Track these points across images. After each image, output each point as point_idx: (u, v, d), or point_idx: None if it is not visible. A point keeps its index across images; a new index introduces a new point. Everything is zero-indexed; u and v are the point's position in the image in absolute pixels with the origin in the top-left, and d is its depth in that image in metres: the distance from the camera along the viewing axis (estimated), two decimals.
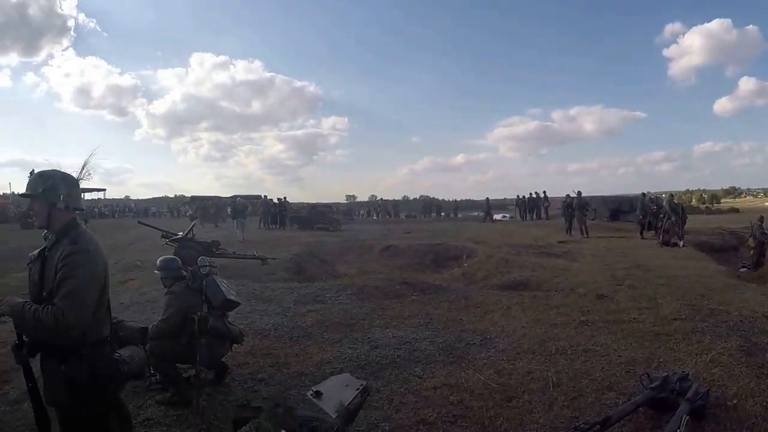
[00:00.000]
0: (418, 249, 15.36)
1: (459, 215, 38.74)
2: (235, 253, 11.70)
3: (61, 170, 2.22)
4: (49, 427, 2.19)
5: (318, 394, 2.47)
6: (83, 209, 2.50)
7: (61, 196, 2.11)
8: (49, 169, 2.19)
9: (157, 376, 4.04)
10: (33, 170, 2.22)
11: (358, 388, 2.60)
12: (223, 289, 4.22)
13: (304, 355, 5.04)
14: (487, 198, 30.37)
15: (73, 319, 1.96)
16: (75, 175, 2.28)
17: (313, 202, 33.23)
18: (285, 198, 26.50)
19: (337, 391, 2.53)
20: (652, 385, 3.46)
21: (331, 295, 7.89)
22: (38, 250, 2.18)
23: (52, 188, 2.10)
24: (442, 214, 39.30)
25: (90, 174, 2.37)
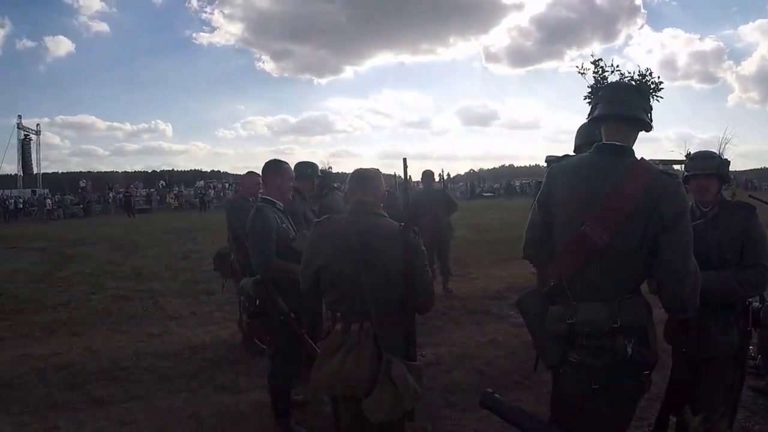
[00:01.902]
0: None
1: None
2: None
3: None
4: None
5: None
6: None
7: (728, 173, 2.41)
8: (708, 150, 2.48)
9: (758, 360, 3.67)
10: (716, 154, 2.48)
11: None
12: None
13: None
14: None
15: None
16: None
17: None
18: None
19: None
20: None
21: None
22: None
23: (727, 167, 2.39)
24: None
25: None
